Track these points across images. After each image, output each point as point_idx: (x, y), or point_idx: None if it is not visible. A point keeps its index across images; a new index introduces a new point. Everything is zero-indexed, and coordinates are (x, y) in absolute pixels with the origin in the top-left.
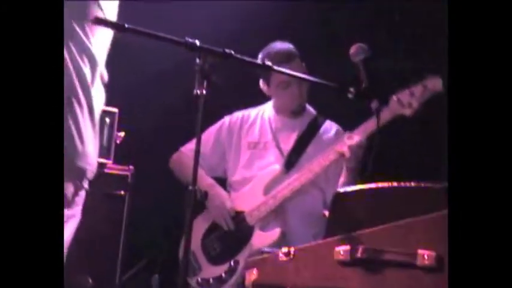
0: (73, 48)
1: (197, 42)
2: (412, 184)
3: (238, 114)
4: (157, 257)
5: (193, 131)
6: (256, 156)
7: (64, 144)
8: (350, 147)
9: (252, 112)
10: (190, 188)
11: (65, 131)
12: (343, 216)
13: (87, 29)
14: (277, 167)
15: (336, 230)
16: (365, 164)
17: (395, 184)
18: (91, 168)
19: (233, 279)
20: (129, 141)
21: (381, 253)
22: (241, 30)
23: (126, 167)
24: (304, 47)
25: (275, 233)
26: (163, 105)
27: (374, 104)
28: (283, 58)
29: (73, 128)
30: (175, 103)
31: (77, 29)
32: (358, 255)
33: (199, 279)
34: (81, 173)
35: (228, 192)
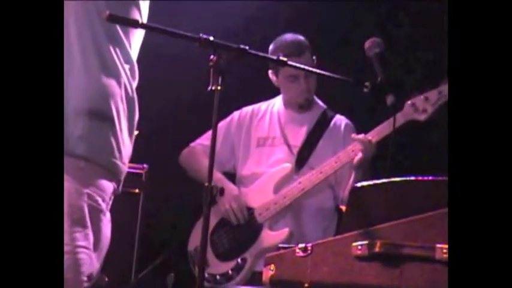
0: (120, 56)
1: (211, 38)
2: (430, 178)
3: (248, 109)
4: (172, 255)
5: (206, 127)
6: (265, 152)
7: (109, 144)
8: (362, 149)
9: (262, 106)
10: (206, 184)
11: (111, 132)
12: (360, 210)
13: (130, 35)
14: (287, 165)
15: (353, 225)
16: (374, 166)
17: (412, 178)
18: (125, 171)
19: (239, 277)
20: (143, 140)
21: (399, 247)
22: (255, 22)
23: (140, 166)
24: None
25: (283, 232)
26: (177, 102)
27: (390, 99)
28: (294, 50)
29: (118, 130)
30: (189, 99)
31: (122, 35)
32: (376, 249)
33: (206, 275)
34: (119, 174)
35: (238, 187)
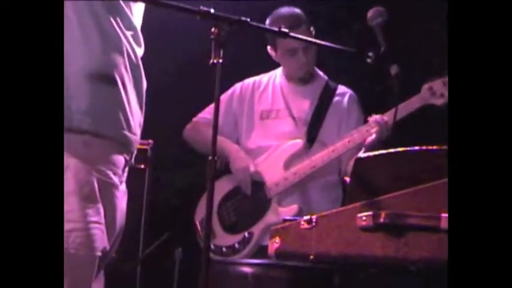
0: (121, 24)
1: (212, 11)
2: (434, 147)
3: (249, 81)
4: (179, 230)
5: (209, 100)
6: (270, 124)
7: (117, 116)
8: (378, 131)
9: (264, 78)
10: (210, 158)
11: (117, 103)
12: (365, 181)
13: (131, 5)
14: (299, 141)
15: (358, 196)
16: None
17: (416, 148)
18: (137, 142)
19: (246, 251)
20: (147, 115)
21: (403, 217)
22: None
23: (145, 141)
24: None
25: (292, 209)
26: (180, 76)
27: (393, 69)
28: (292, 23)
29: (125, 100)
30: (192, 72)
31: (123, 5)
32: (381, 220)
33: (212, 246)
34: (129, 146)
35: None
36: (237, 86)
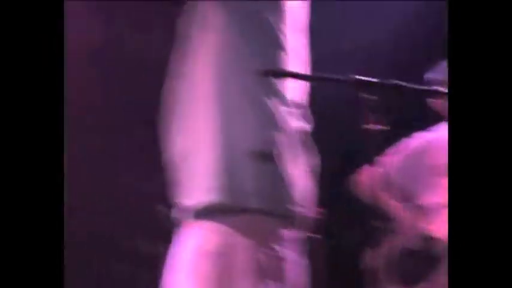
0: (278, 101)
1: (363, 78)
2: None
3: (418, 136)
4: None
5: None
6: (442, 182)
7: (281, 192)
8: None
9: (431, 134)
10: (373, 211)
11: (280, 180)
12: None
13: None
14: None
15: None
16: None
17: None
18: (304, 214)
19: None
20: None
21: None
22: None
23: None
24: None
25: None
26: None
27: None
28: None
29: (289, 176)
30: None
31: (278, 82)
32: None
33: None
34: (296, 219)
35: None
36: (407, 142)
